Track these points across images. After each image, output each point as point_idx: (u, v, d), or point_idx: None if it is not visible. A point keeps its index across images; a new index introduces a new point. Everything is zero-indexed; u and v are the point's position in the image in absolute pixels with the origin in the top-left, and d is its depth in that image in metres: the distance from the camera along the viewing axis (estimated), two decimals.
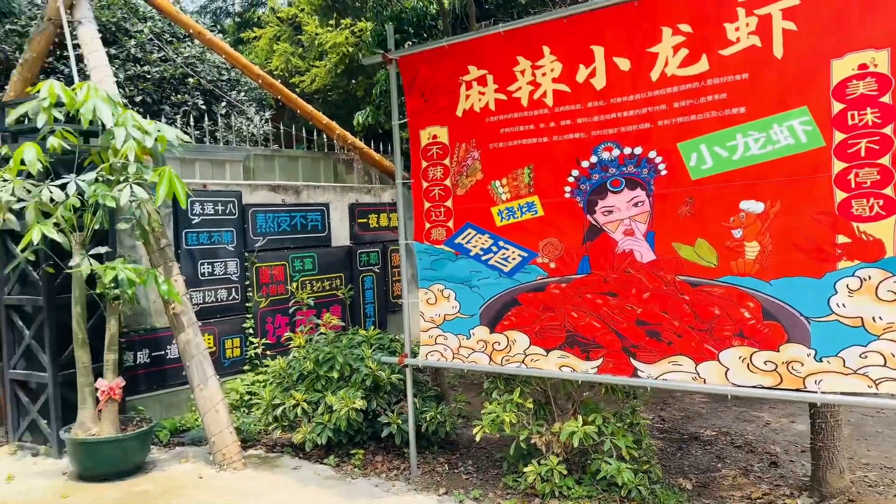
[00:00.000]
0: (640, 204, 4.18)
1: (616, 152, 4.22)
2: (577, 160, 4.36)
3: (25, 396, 6.10)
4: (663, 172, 4.10)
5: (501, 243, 4.72)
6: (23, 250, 5.19)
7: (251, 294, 7.45)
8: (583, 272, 4.38)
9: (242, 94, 9.05)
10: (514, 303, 4.68)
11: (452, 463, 5.50)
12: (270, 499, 4.85)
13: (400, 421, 5.49)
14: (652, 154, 4.11)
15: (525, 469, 4.66)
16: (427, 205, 5.07)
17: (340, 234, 8.48)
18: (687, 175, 4.02)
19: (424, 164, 5.05)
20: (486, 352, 4.81)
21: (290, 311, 7.40)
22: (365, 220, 8.79)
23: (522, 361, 4.65)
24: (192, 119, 7.55)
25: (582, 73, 4.30)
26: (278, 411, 5.61)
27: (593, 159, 4.31)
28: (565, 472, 4.60)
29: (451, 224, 4.95)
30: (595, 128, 4.29)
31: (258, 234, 7.58)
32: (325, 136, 8.68)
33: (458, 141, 4.87)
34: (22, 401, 6.11)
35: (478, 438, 4.75)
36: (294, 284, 7.80)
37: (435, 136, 4.98)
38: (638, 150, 4.15)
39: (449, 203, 4.95)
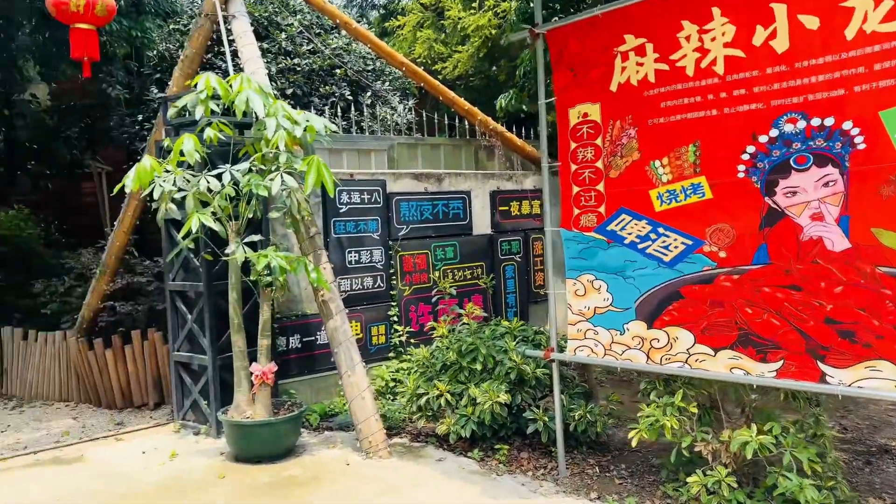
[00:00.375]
0: (831, 184, 3.61)
1: (802, 124, 3.66)
2: (754, 135, 3.84)
3: (188, 377, 6.45)
4: (861, 146, 3.51)
5: (661, 230, 4.29)
6: (184, 238, 5.44)
7: (395, 282, 7.45)
8: (759, 262, 3.87)
9: (387, 83, 9.09)
10: (676, 296, 4.24)
11: (603, 466, 5.14)
12: (415, 492, 4.75)
13: (546, 418, 5.21)
14: (847, 125, 3.53)
15: (688, 479, 4.22)
16: (576, 189, 4.72)
17: (481, 222, 8.29)
18: (891, 149, 3.41)
19: (573, 145, 4.71)
20: (642, 349, 4.40)
21: (434, 299, 7.31)
22: (506, 208, 8.55)
23: (685, 361, 4.20)
24: (339, 110, 7.64)
25: (759, 36, 3.77)
26: (422, 401, 5.52)
27: (773, 133, 3.77)
28: (735, 485, 4.11)
29: (602, 209, 4.58)
30: (775, 97, 3.75)
31: (402, 222, 7.56)
32: (466, 122, 8.52)
33: (611, 118, 4.48)
34: (185, 381, 6.47)
35: (634, 443, 4.37)
36: (436, 273, 7.71)
37: (585, 115, 4.62)
38: (829, 121, 3.58)
39: (600, 187, 4.58)
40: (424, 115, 8.35)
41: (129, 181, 5.29)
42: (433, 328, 6.00)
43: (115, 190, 5.51)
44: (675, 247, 4.23)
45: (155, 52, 8.49)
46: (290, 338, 6.76)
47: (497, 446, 5.38)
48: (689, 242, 4.17)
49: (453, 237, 7.99)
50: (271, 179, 5.28)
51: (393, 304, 7.44)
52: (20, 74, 8.78)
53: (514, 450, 5.42)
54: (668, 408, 4.31)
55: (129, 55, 8.69)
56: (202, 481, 5.09)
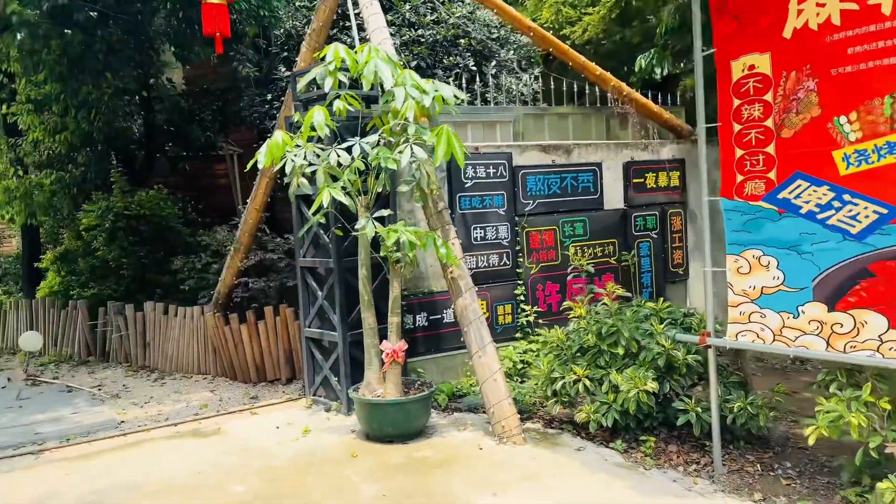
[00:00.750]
0: None
1: None
2: None
3: (319, 354, 6.44)
4: None
5: (847, 197, 3.70)
6: (314, 213, 5.36)
7: (521, 260, 7.12)
8: None
9: (511, 52, 8.71)
10: (865, 274, 3.65)
11: (765, 463, 4.61)
12: (556, 482, 4.44)
13: (699, 409, 4.73)
14: None
15: (879, 485, 3.64)
16: (739, 153, 4.18)
17: (613, 195, 7.77)
18: None
19: (736, 102, 4.16)
20: (821, 335, 3.84)
21: (568, 277, 6.87)
22: (641, 180, 7.97)
23: (877, 349, 3.62)
24: (463, 81, 7.36)
25: None
26: (557, 385, 5.18)
27: None
28: None
29: (772, 175, 4.02)
30: None
31: (528, 196, 7.20)
32: (596, 90, 8.00)
33: (784, 69, 3.91)
34: (316, 358, 6.47)
35: (811, 441, 3.83)
36: (565, 250, 7.31)
37: (752, 67, 4.06)
38: None
39: (770, 149, 4.02)
40: (552, 82, 7.90)
41: (262, 156, 5.26)
42: (565, 309, 5.62)
43: (249, 166, 5.51)
44: (865, 216, 3.63)
45: (282, 30, 8.54)
46: (417, 316, 6.61)
47: (642, 437, 4.96)
48: (884, 211, 3.56)
49: (583, 212, 7.55)
50: (400, 152, 5.08)
51: (519, 282, 7.12)
52: (157, 55, 9.12)
53: (660, 442, 4.99)
54: (852, 402, 3.74)
55: (258, 34, 8.80)
56: (335, 459, 5.03)
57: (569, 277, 6.81)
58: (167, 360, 8.28)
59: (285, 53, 8.41)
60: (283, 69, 8.35)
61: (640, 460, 4.74)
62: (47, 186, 9.53)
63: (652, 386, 4.71)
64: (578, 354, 5.30)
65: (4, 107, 9.78)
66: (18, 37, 8.72)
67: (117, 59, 8.44)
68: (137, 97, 10.04)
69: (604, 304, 5.45)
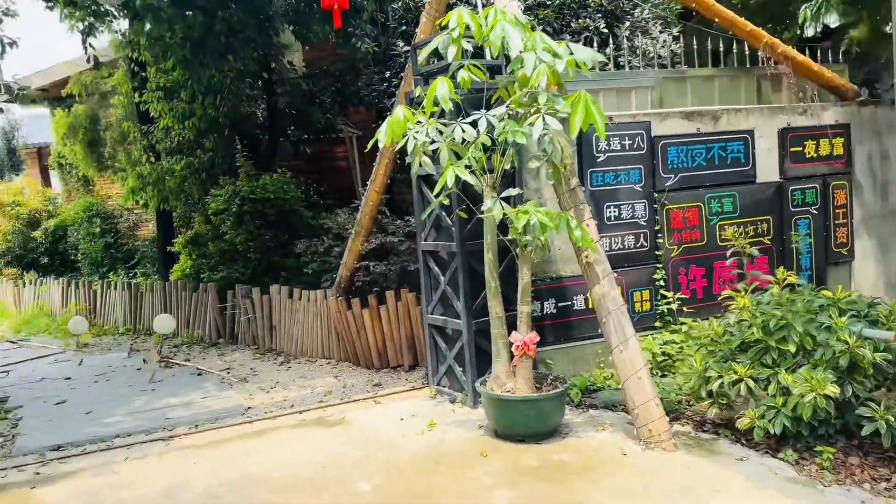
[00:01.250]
0: None
1: None
2: None
3: (442, 342, 6.12)
4: None
5: None
6: (437, 195, 5.00)
7: (661, 241, 6.45)
8: None
9: (645, 11, 7.93)
10: None
11: None
12: (718, 499, 3.86)
13: (891, 417, 3.97)
14: None
15: None
16: None
17: (767, 167, 6.89)
18: None
19: None
20: None
21: (727, 260, 6.08)
22: (799, 149, 7.02)
23: None
24: (595, 45, 6.73)
25: None
26: (714, 385, 4.55)
27: None
28: None
29: None
30: None
31: (669, 170, 6.50)
32: (745, 49, 7.12)
33: None
34: (439, 346, 6.16)
35: None
36: (710, 229, 6.56)
37: None
38: None
39: None
40: (695, 41, 7.09)
41: (382, 135, 4.95)
42: (730, 297, 4.93)
43: (369, 145, 5.22)
44: None
45: (399, 2, 8.22)
46: (545, 302, 6.13)
47: (816, 448, 4.26)
48: None
49: (732, 186, 6.74)
50: (530, 124, 4.59)
51: (658, 265, 6.46)
52: (276, 34, 9.07)
53: (838, 453, 4.26)
54: None
55: (376, 9, 8.53)
56: (464, 457, 4.68)
57: (728, 261, 6.00)
58: (293, 343, 8.29)
59: (403, 27, 8.10)
60: (402, 44, 8.03)
61: (817, 475, 4.05)
62: (178, 172, 9.79)
63: (833, 390, 4.00)
64: (739, 351, 4.63)
65: (137, 95, 10.13)
66: (147, 26, 8.95)
67: (238, 41, 8.44)
68: (260, 81, 10.10)
69: (769, 292, 4.73)
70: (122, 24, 9.52)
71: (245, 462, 4.91)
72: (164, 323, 8.73)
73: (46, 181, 17.69)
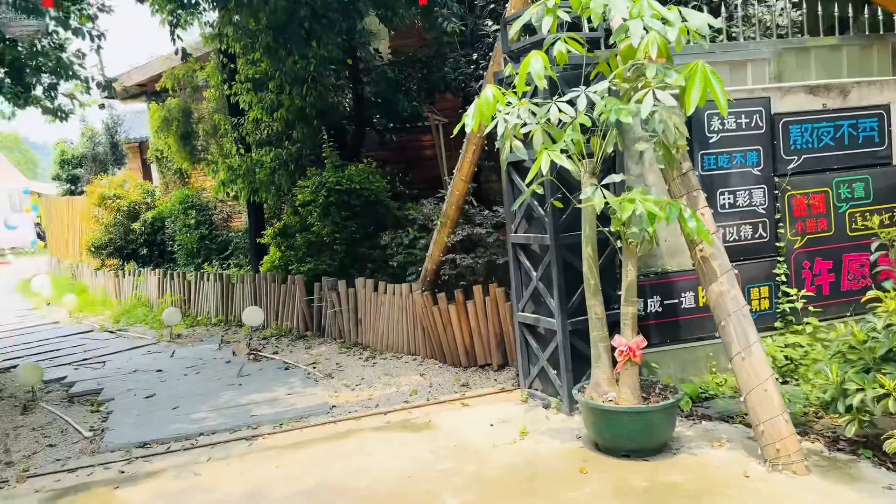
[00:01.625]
0: None
1: None
2: None
3: (534, 341, 5.68)
4: None
5: None
6: (529, 183, 4.55)
7: (782, 231, 5.75)
8: None
9: None
10: None
11: None
12: None
13: None
14: None
15: None
16: None
17: None
18: None
19: None
20: None
21: (873, 250, 5.30)
22: None
23: None
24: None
25: None
26: (854, 399, 3.90)
27: None
28: None
29: None
30: None
31: (791, 152, 5.77)
32: (879, 14, 6.26)
33: None
34: (531, 346, 5.72)
35: None
36: (839, 217, 5.79)
37: None
38: None
39: None
40: (819, 5, 6.29)
41: (469, 119, 4.54)
42: (876, 298, 4.23)
43: (455, 130, 4.82)
44: None
45: None
46: (649, 300, 5.56)
47: None
48: None
49: (863, 169, 5.93)
50: (638, 101, 4.06)
51: (779, 259, 5.76)
52: (360, 18, 8.82)
53: None
54: None
55: None
56: (561, 474, 4.24)
57: (874, 255, 5.19)
58: (378, 337, 8.06)
59: (492, 5, 7.64)
60: (490, 23, 7.59)
61: None
62: (267, 164, 9.76)
63: None
64: (885, 360, 3.95)
65: (227, 87, 10.16)
66: (235, 18, 8.90)
67: (321, 26, 8.23)
68: (346, 71, 9.92)
69: None
70: (211, 15, 9.55)
71: (327, 468, 4.65)
72: (253, 315, 8.70)
73: (147, 174, 18.37)
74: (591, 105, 4.39)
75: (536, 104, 4.50)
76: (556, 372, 5.38)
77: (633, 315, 4.46)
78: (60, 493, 4.56)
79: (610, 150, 4.43)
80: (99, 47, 8.11)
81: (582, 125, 4.34)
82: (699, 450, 4.41)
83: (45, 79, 7.96)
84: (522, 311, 5.76)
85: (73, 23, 7.51)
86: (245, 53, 9.44)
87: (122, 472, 4.86)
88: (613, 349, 4.52)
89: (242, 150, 10.40)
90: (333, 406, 6.05)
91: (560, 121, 4.32)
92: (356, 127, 10.39)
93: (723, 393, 5.31)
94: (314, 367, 7.44)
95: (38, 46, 7.75)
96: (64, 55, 7.86)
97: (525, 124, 4.46)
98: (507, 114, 4.41)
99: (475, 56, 7.87)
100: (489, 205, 7.64)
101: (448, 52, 8.83)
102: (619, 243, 4.57)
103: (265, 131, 10.14)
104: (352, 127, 10.49)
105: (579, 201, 4.61)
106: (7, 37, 6.89)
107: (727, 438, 4.54)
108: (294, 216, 9.71)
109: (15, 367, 7.42)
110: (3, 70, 7.87)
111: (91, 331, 11.01)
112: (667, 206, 4.18)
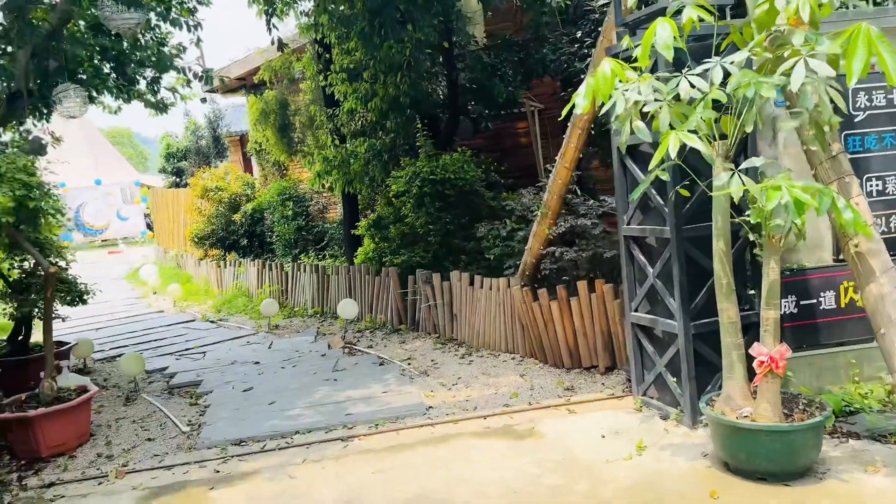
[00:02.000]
0: None
1: None
2: None
3: (649, 345, 5.18)
4: None
5: None
6: (652, 168, 4.05)
7: None
8: None
9: None
10: None
11: None
12: None
13: None
14: None
15: None
16: None
17: None
18: None
19: None
20: None
21: None
22: None
23: None
24: None
25: None
26: None
27: None
28: None
29: None
30: None
31: None
32: None
33: None
34: (645, 349, 5.22)
35: None
36: None
37: None
38: None
39: None
40: None
41: (580, 98, 4.07)
42: None
43: (564, 112, 4.37)
44: None
45: None
46: (783, 300, 4.93)
47: None
48: None
49: None
50: (784, 74, 3.49)
51: None
52: None
53: None
54: None
55: None
56: (688, 499, 3.75)
57: None
58: (474, 333, 7.71)
59: None
60: None
61: None
62: (361, 154, 9.60)
63: None
64: None
65: (322, 78, 10.06)
66: (330, 6, 8.74)
67: (416, 9, 7.93)
68: (441, 56, 9.59)
69: None
70: (306, 4, 9.45)
71: (425, 476, 4.35)
72: (348, 308, 8.56)
73: (248, 167, 18.78)
74: (724, 80, 3.84)
75: (660, 80, 3.99)
76: (675, 380, 4.86)
77: (776, 320, 3.89)
78: (156, 492, 4.47)
79: (749, 129, 3.86)
80: (199, 39, 8.11)
81: (715, 101, 3.80)
82: (850, 474, 3.81)
83: (148, 73, 8.05)
84: (636, 310, 5.26)
85: (174, 14, 7.53)
86: (340, 43, 9.28)
87: (217, 471, 4.73)
88: (749, 357, 3.97)
89: (337, 141, 10.30)
90: (430, 407, 5.75)
91: (691, 98, 3.80)
92: (450, 115, 10.06)
93: (870, 407, 4.64)
94: (409, 364, 7.19)
95: (142, 41, 7.83)
96: (165, 48, 7.91)
97: (645, 104, 3.96)
98: (627, 90, 3.92)
99: (579, 34, 7.33)
100: (591, 194, 7.13)
101: (547, 32, 8.32)
102: (752, 236, 4.00)
103: (359, 122, 9.99)
104: (445, 115, 10.17)
105: (709, 188, 4.07)
106: (112, 31, 6.95)
107: (882, 462, 3.91)
108: (388, 207, 9.51)
109: (120, 356, 7.56)
110: (109, 65, 8.02)
111: (193, 320, 11.24)
112: (817, 193, 3.59)
